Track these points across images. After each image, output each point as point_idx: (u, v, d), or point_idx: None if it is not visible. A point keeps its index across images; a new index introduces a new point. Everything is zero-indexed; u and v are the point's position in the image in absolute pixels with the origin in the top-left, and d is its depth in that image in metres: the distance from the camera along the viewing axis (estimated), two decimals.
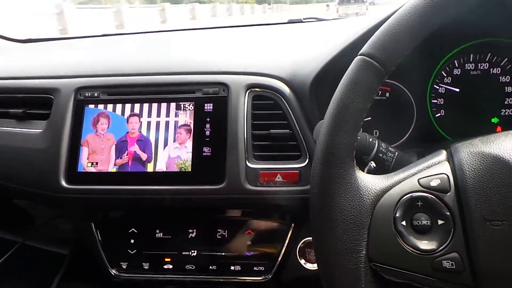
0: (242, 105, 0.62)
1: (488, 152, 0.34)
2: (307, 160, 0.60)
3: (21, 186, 0.69)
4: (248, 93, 0.63)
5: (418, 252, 0.35)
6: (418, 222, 0.35)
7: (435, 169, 0.36)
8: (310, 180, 0.40)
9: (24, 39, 1.10)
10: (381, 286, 0.38)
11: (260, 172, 0.60)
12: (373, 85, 0.38)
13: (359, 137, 0.49)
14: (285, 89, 0.63)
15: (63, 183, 0.64)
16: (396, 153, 0.51)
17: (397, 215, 0.36)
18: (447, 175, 0.35)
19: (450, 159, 0.36)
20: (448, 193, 0.35)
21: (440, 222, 0.35)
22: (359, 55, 0.39)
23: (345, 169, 0.38)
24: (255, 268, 0.65)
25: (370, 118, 0.69)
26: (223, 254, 0.66)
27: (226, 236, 0.66)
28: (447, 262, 0.33)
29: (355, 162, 0.39)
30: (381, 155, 0.50)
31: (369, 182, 0.38)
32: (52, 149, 0.66)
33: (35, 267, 0.89)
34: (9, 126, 0.72)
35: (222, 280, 0.66)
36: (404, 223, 0.36)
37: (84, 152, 0.65)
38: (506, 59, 0.64)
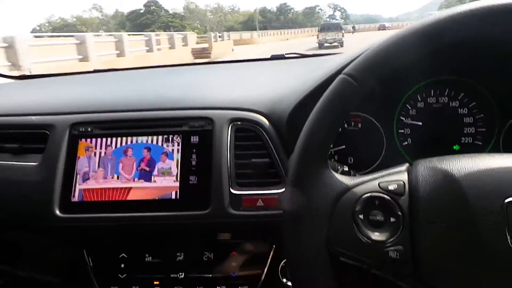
0: (225, 137, 0.68)
1: (441, 167, 0.40)
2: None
3: (16, 218, 0.73)
4: (231, 126, 0.69)
5: (370, 241, 0.41)
6: (373, 217, 0.41)
7: (395, 176, 0.43)
8: (287, 175, 0.46)
9: (19, 76, 1.16)
10: (337, 267, 0.44)
11: (242, 198, 0.66)
12: (349, 99, 0.44)
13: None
14: (265, 122, 0.69)
15: (58, 212, 0.68)
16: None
17: (356, 209, 0.42)
18: (403, 182, 0.42)
19: (410, 170, 0.43)
20: (402, 197, 0.41)
21: (392, 219, 0.41)
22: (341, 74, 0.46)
23: (317, 167, 0.45)
24: (239, 287, 0.70)
25: (344, 146, 0.76)
26: (210, 275, 0.70)
27: (212, 258, 0.70)
28: (392, 252, 0.39)
29: (327, 162, 0.46)
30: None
31: (336, 180, 0.44)
32: (47, 181, 0.70)
33: None
34: (5, 160, 0.76)
35: None
36: (361, 216, 0.42)
37: (77, 183, 0.69)
38: (462, 93, 0.72)
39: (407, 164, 0.44)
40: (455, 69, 0.72)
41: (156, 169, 0.68)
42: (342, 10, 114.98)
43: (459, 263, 0.37)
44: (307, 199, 0.44)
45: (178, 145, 0.69)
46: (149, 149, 0.70)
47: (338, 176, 0.45)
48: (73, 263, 0.76)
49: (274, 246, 0.69)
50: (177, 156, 0.68)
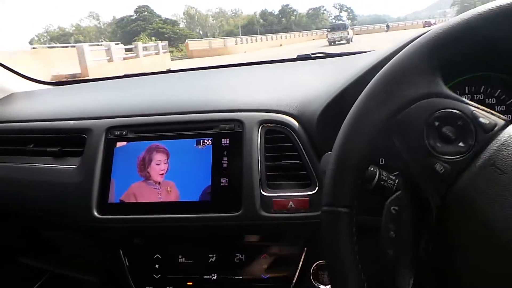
0: (255, 139, 0.69)
1: None
2: (316, 188, 0.66)
3: (57, 218, 0.76)
4: (261, 128, 0.70)
5: (429, 147, 0.40)
6: (445, 131, 0.39)
7: (493, 116, 0.40)
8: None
9: (55, 82, 1.21)
10: None
11: (273, 200, 0.66)
12: None
13: None
14: (294, 123, 0.69)
15: (96, 213, 0.70)
16: (397, 180, 0.57)
17: (436, 114, 0.40)
18: (497, 125, 0.39)
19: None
20: (486, 134, 0.39)
21: (461, 144, 0.39)
22: None
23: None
24: None
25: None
26: (241, 277, 0.71)
27: (243, 260, 0.71)
28: (440, 166, 0.38)
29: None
30: (382, 182, 0.56)
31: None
32: (85, 183, 0.73)
33: None
34: (47, 163, 0.80)
35: None
36: (437, 123, 0.40)
37: (114, 185, 0.72)
38: (499, 90, 0.69)
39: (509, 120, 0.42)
40: (492, 65, 0.69)
41: (188, 171, 0.70)
42: (349, 11, 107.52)
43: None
44: None
45: (210, 147, 0.70)
46: (181, 151, 0.71)
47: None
48: (110, 263, 0.78)
49: (305, 248, 0.69)
50: (209, 158, 0.69)
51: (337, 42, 24.21)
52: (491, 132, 0.39)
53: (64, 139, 0.80)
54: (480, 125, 0.39)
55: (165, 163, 0.71)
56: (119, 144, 0.74)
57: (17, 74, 1.15)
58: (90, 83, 1.19)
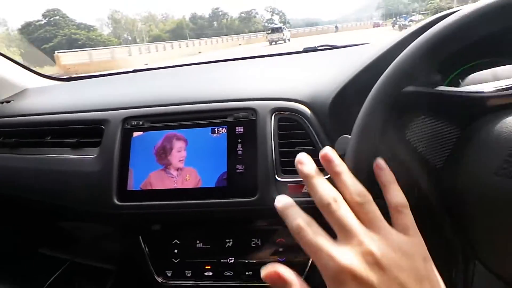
0: (269, 127, 0.71)
1: None
2: None
3: (78, 206, 0.78)
4: (274, 116, 0.72)
5: None
6: None
7: None
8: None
9: (66, 77, 1.23)
10: None
11: (288, 185, 0.68)
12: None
13: None
14: (306, 111, 0.71)
15: (116, 201, 0.73)
16: None
17: None
18: None
19: None
20: None
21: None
22: None
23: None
24: None
25: None
26: (257, 261, 0.73)
27: (259, 244, 0.73)
28: None
29: None
30: None
31: None
32: (105, 171, 0.75)
33: (85, 283, 0.97)
34: (65, 153, 0.82)
35: (257, 285, 0.72)
36: None
37: (133, 173, 0.74)
38: None
39: None
40: (496, 52, 0.71)
41: (204, 159, 0.72)
42: (281, 14, 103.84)
43: None
44: None
45: (225, 135, 0.72)
46: (197, 139, 0.73)
47: None
48: (129, 250, 0.81)
49: None
50: (224, 145, 0.71)
51: (277, 42, 28.95)
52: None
53: (81, 130, 0.82)
54: None
55: (184, 150, 0.73)
56: (136, 134, 0.76)
57: (30, 70, 1.18)
58: (100, 78, 1.21)
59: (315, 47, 1.20)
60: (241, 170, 0.70)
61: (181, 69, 1.15)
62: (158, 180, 0.73)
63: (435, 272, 0.33)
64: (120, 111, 0.79)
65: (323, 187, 0.35)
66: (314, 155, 0.69)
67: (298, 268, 0.71)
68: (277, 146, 0.70)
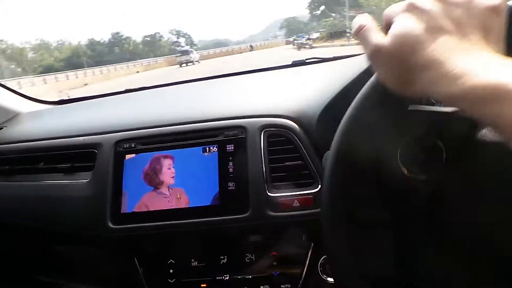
0: (259, 144, 0.73)
1: None
2: (319, 185, 0.69)
3: (72, 231, 0.79)
4: (263, 133, 0.74)
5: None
6: None
7: None
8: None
9: (58, 101, 1.25)
10: None
11: (279, 200, 0.69)
12: None
13: None
14: (295, 126, 0.73)
15: (110, 224, 0.74)
16: None
17: None
18: None
19: None
20: None
21: None
22: None
23: None
24: (282, 286, 0.72)
25: None
26: (252, 276, 0.74)
27: (253, 259, 0.74)
28: None
29: None
30: None
31: None
32: (98, 195, 0.76)
33: None
34: (59, 179, 0.83)
35: None
36: None
37: (126, 196, 0.75)
38: None
39: None
40: None
41: (196, 178, 0.73)
42: (186, 36, 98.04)
43: None
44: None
45: (215, 153, 0.74)
46: (189, 159, 0.75)
47: None
48: (125, 272, 0.81)
49: (312, 244, 0.72)
50: (215, 164, 0.73)
51: (187, 64, 29.48)
52: None
53: (74, 155, 0.83)
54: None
55: (174, 172, 0.74)
56: (128, 156, 0.77)
57: (21, 95, 1.19)
58: (92, 100, 1.23)
59: (304, 60, 1.22)
60: (233, 188, 0.71)
61: (174, 88, 1.17)
62: (152, 203, 0.74)
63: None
64: (112, 134, 0.80)
65: None
66: (304, 169, 0.71)
67: (292, 280, 0.73)
68: (267, 162, 0.72)
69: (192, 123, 0.78)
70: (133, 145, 0.78)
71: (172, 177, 0.74)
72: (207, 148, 0.75)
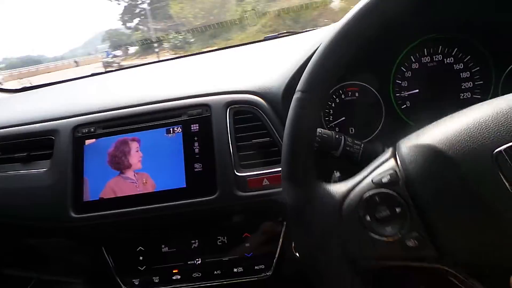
0: (224, 121, 0.69)
1: (422, 143, 0.39)
2: None
3: (33, 223, 0.75)
4: (229, 110, 0.70)
5: (385, 238, 0.40)
6: (379, 214, 0.40)
7: (384, 167, 0.42)
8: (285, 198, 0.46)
9: (19, 88, 1.18)
10: (363, 278, 0.43)
11: (248, 179, 0.67)
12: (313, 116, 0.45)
13: (325, 135, 0.57)
14: (261, 102, 0.70)
15: (72, 213, 0.70)
16: (362, 145, 0.58)
17: (360, 213, 0.41)
18: (394, 170, 0.40)
19: (395, 155, 0.42)
20: (399, 184, 0.40)
21: (398, 210, 0.39)
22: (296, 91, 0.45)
23: (308, 189, 0.44)
24: (256, 267, 0.71)
25: (344, 118, 0.76)
26: (226, 258, 0.72)
27: (226, 241, 0.72)
28: (409, 241, 0.38)
29: (315, 177, 0.45)
30: (348, 148, 0.57)
31: (331, 192, 0.44)
32: (58, 184, 0.72)
33: None
34: (15, 169, 0.78)
35: (226, 283, 0.71)
36: (368, 218, 0.40)
37: (87, 183, 0.71)
38: (456, 49, 0.72)
39: (391, 150, 0.43)
40: (444, 26, 0.71)
41: (161, 161, 0.70)
42: None
43: (472, 227, 0.36)
44: (309, 224, 0.44)
45: (180, 134, 0.70)
46: (152, 142, 0.71)
47: (332, 188, 0.44)
48: (93, 262, 0.78)
49: (284, 223, 0.70)
50: (180, 145, 0.69)
51: None
52: (399, 178, 0.40)
53: (31, 143, 0.78)
54: (388, 184, 0.41)
55: (137, 155, 0.71)
56: (88, 141, 0.73)
57: None
58: (56, 85, 1.16)
59: (276, 34, 1.18)
60: (199, 169, 0.68)
61: (136, 70, 1.11)
62: (118, 188, 0.70)
63: None
64: (69, 119, 0.76)
65: None
66: (272, 146, 0.69)
67: (266, 260, 0.71)
68: (235, 141, 0.69)
69: (153, 104, 0.73)
70: (92, 129, 0.73)
71: (139, 160, 0.71)
72: (171, 129, 0.71)
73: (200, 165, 0.68)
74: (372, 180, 0.41)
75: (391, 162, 0.42)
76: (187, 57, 1.15)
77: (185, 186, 0.68)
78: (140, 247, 0.73)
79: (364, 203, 0.41)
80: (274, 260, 0.70)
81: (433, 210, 0.38)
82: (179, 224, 0.73)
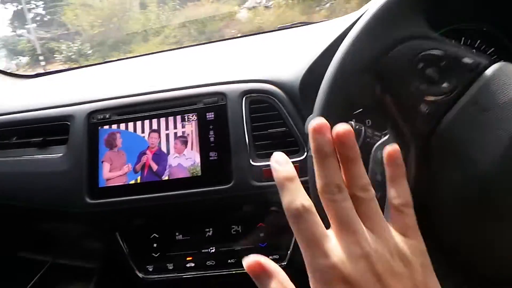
0: (240, 110, 0.68)
1: None
2: (305, 153, 0.66)
3: (49, 207, 0.76)
4: (245, 99, 0.69)
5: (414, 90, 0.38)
6: (429, 72, 0.38)
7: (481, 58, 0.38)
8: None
9: (34, 74, 1.18)
10: None
11: (263, 169, 0.66)
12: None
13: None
14: (278, 91, 0.69)
15: (87, 199, 0.70)
16: (382, 136, 0.57)
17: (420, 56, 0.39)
18: (483, 67, 0.37)
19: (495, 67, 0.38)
20: (471, 73, 0.37)
21: (445, 85, 0.38)
22: None
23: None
24: (270, 257, 0.70)
25: (361, 109, 0.74)
26: (240, 248, 0.72)
27: (240, 231, 0.71)
28: (424, 106, 0.38)
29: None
30: (368, 139, 0.56)
31: None
32: (74, 170, 0.72)
33: (67, 283, 0.95)
34: (31, 154, 0.79)
35: (241, 271, 0.71)
36: (421, 65, 0.38)
37: (103, 169, 0.71)
38: (478, 41, 0.69)
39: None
40: (467, 17, 0.69)
41: (177, 148, 0.69)
42: None
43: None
44: None
45: (195, 123, 0.69)
46: (167, 129, 0.70)
47: None
48: (108, 248, 0.79)
49: None
50: (195, 133, 0.69)
51: None
52: (475, 71, 0.38)
53: (47, 128, 0.79)
54: (464, 65, 0.38)
55: (153, 142, 0.70)
56: (103, 127, 0.73)
57: None
58: (71, 71, 1.16)
59: (290, 24, 1.16)
60: (215, 158, 0.68)
61: (149, 58, 1.10)
62: (130, 175, 0.70)
63: (434, 279, 0.30)
64: (85, 105, 0.76)
65: (328, 171, 0.30)
66: (288, 136, 0.68)
67: (281, 250, 0.70)
68: (250, 130, 0.68)
69: (169, 91, 0.73)
70: (107, 115, 0.73)
71: (151, 148, 0.70)
72: (186, 117, 0.70)
73: (215, 154, 0.68)
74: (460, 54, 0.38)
75: (486, 60, 0.38)
76: (202, 45, 1.14)
77: (200, 174, 0.68)
78: (155, 234, 0.73)
79: (430, 55, 0.39)
80: (289, 252, 0.69)
81: (465, 115, 0.36)
82: (193, 212, 0.73)
